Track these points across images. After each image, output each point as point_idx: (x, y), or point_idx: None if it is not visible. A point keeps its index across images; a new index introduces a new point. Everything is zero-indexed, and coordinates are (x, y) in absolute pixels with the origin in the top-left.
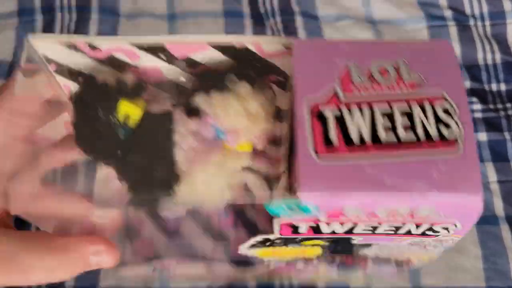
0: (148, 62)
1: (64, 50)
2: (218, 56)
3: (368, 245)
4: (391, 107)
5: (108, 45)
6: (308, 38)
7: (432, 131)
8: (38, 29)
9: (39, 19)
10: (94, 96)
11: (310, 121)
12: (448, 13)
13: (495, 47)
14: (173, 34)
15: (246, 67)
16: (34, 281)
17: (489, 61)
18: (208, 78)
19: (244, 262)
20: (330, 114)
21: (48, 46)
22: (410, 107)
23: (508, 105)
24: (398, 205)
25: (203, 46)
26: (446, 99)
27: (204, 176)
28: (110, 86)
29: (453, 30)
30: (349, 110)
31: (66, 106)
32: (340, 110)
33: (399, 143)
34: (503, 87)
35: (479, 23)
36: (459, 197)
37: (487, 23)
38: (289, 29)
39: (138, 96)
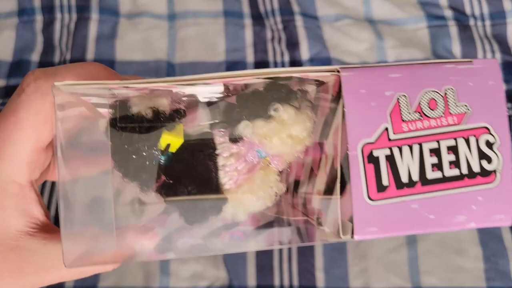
0: (184, 89)
1: (93, 89)
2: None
3: None
4: (438, 144)
5: (144, 85)
6: (355, 67)
7: (475, 165)
8: (38, 29)
9: (39, 19)
10: (131, 129)
11: (363, 164)
12: (448, 13)
13: (495, 47)
14: (174, 35)
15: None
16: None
17: None
18: (251, 106)
19: None
20: (382, 156)
21: (75, 87)
22: (456, 142)
23: (508, 105)
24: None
25: (246, 78)
26: (489, 131)
27: (248, 191)
28: (147, 118)
29: (453, 30)
30: (400, 149)
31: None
32: (391, 150)
33: (444, 179)
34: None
35: (479, 23)
36: (493, 225)
37: (487, 23)
38: (289, 29)
39: (177, 123)
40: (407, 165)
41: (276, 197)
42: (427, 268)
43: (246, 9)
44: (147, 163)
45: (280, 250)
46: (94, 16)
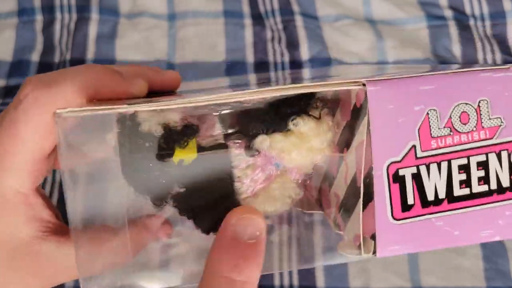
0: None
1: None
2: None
3: None
4: (468, 160)
5: (154, 108)
6: (382, 80)
7: (505, 180)
8: (38, 29)
9: (39, 19)
10: (142, 148)
11: (388, 184)
12: (448, 13)
13: (495, 47)
14: (174, 35)
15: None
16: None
17: (489, 61)
18: (268, 119)
19: None
20: (408, 175)
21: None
22: (487, 158)
23: None
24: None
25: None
26: None
27: (265, 200)
28: (159, 135)
29: (453, 30)
30: (427, 167)
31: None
32: (418, 168)
33: (472, 195)
34: None
35: (479, 23)
36: None
37: (487, 23)
38: (289, 29)
39: (190, 138)
40: (434, 183)
41: (292, 202)
42: (427, 268)
43: (246, 9)
44: (160, 179)
45: (280, 250)
46: (94, 16)
